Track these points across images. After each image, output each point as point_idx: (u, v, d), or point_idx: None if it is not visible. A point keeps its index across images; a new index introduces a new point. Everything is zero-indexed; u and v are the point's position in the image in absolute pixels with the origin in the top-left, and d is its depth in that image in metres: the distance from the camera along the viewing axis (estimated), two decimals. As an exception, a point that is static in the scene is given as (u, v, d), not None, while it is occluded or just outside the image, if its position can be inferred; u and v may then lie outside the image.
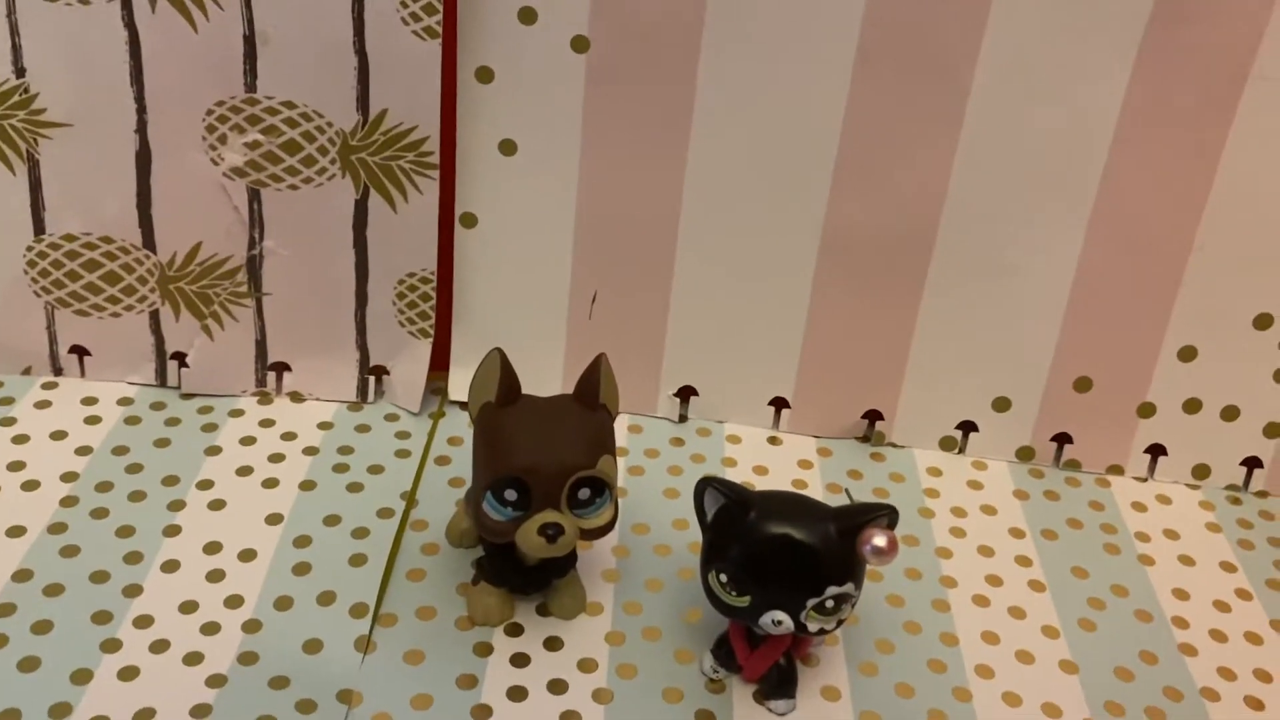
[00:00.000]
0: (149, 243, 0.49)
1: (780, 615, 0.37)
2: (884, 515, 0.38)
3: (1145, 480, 0.53)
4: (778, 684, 0.40)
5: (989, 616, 0.45)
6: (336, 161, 0.47)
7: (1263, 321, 0.49)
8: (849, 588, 0.37)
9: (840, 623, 0.38)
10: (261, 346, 0.51)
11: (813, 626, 0.38)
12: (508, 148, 0.48)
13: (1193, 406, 0.51)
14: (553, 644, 0.42)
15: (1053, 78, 0.46)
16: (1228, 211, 0.47)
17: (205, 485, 0.47)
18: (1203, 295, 0.49)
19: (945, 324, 0.51)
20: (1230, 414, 0.51)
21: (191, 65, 0.45)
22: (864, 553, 0.37)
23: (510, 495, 0.38)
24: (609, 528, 0.40)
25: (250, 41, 0.45)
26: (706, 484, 0.39)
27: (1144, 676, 0.43)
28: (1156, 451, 0.52)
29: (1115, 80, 0.46)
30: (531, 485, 0.38)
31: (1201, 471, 0.52)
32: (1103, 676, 0.43)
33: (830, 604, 0.37)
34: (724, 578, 0.38)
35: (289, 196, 0.48)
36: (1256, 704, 0.42)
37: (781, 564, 0.37)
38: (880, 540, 0.37)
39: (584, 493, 0.39)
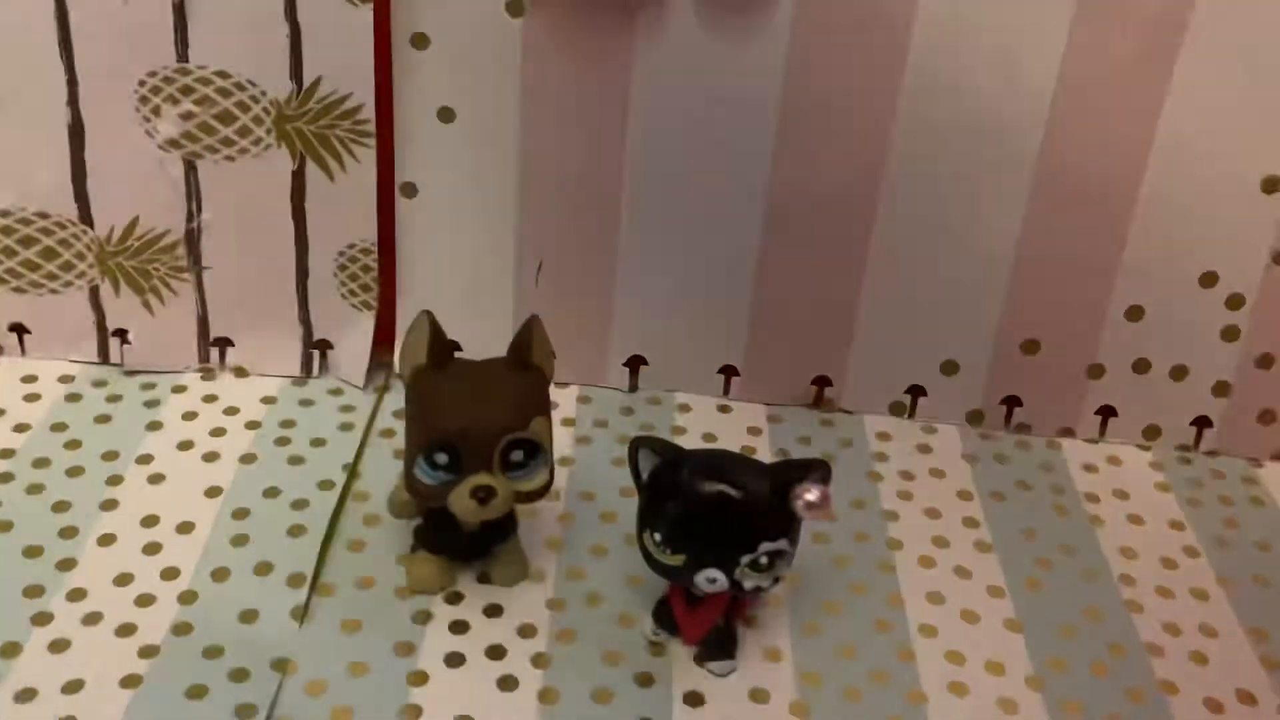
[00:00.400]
0: (85, 217, 0.48)
1: (714, 573, 0.37)
2: (818, 470, 0.37)
3: (1096, 442, 0.53)
4: (717, 645, 0.40)
5: (935, 577, 0.45)
6: (272, 131, 0.47)
7: (1208, 279, 0.49)
8: (783, 544, 0.37)
9: (777, 580, 0.38)
10: (203, 322, 0.50)
11: (748, 584, 0.37)
12: (446, 115, 0.48)
13: (1142, 367, 0.51)
14: (493, 611, 0.42)
15: (992, 36, 0.45)
16: (1170, 168, 0.47)
17: (145, 460, 0.46)
18: (1149, 253, 0.49)
19: (891, 287, 0.50)
20: (1179, 374, 0.51)
21: (121, 36, 0.45)
22: (797, 507, 0.37)
23: (441, 459, 0.38)
24: (544, 490, 0.40)
25: (181, 11, 0.44)
26: (639, 444, 0.39)
27: (1089, 633, 0.43)
28: (1107, 413, 0.52)
29: (1054, 37, 0.45)
30: (461, 448, 0.38)
31: (1152, 432, 0.52)
32: (1047, 634, 0.42)
33: (765, 560, 0.37)
34: (658, 537, 0.38)
35: (225, 168, 0.47)
36: (1201, 658, 0.42)
37: (714, 521, 0.37)
38: (812, 494, 0.36)
39: (517, 454, 0.39)
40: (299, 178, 0.48)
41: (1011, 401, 0.52)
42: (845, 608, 0.43)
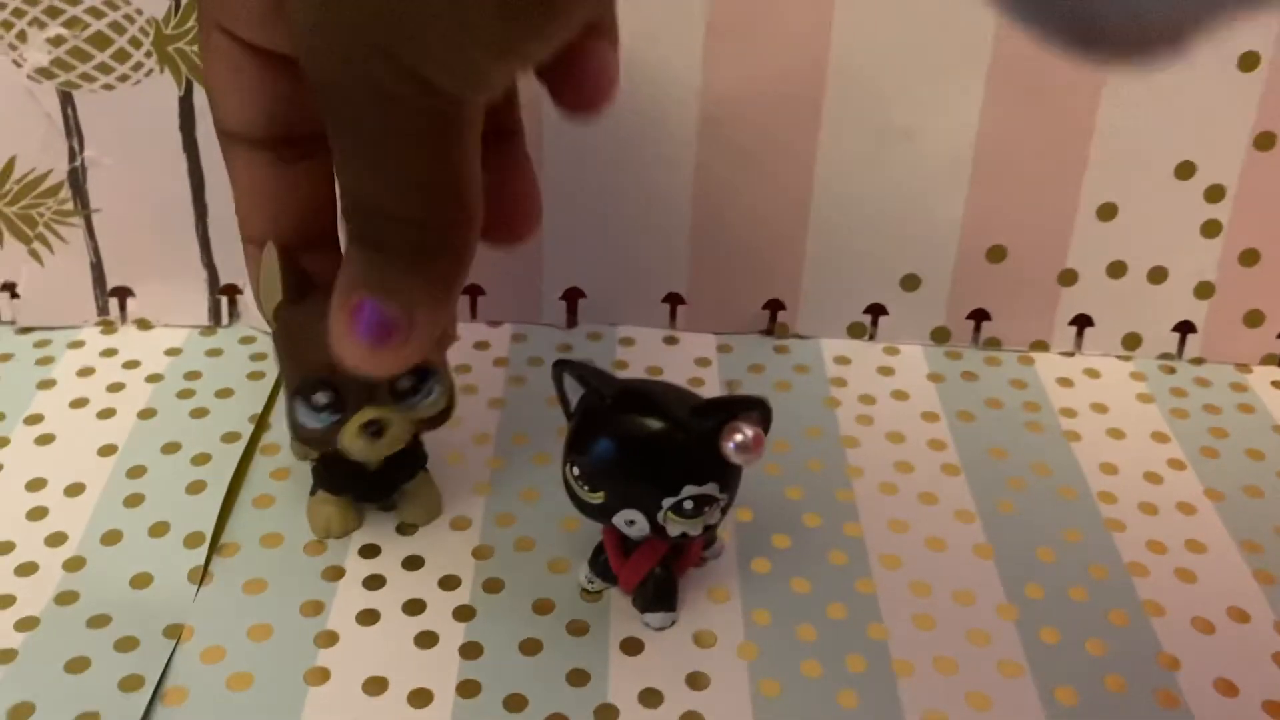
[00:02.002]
0: (-43, 161, 0.44)
1: (633, 514, 0.33)
2: (753, 409, 0.33)
3: (1072, 355, 0.49)
4: (653, 596, 0.36)
5: (897, 504, 0.41)
6: (152, 55, 0.42)
7: (1184, 170, 0.45)
8: (710, 488, 0.33)
9: (709, 529, 0.34)
10: (98, 270, 0.47)
11: (673, 530, 0.33)
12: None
13: (1117, 270, 0.47)
14: (412, 563, 0.38)
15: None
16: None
17: (34, 420, 0.43)
18: (1118, 145, 0.45)
19: (842, 200, 0.46)
20: (1158, 275, 0.47)
21: (-24, -47, 0.41)
22: (727, 450, 0.33)
23: (321, 399, 0.34)
24: (447, 414, 0.36)
25: (41, -77, 0.40)
26: (563, 368, 0.35)
27: (1066, 556, 0.39)
28: (1082, 323, 0.48)
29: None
30: (339, 383, 0.34)
31: (1132, 341, 0.49)
32: (1021, 559, 0.39)
33: (689, 505, 0.33)
34: (576, 470, 0.34)
35: (105, 98, 0.43)
36: (1188, 575, 0.38)
37: (632, 459, 0.33)
38: (741, 435, 0.32)
39: (404, 382, 0.35)
40: (187, 105, 0.43)
41: (979, 315, 0.48)
42: (799, 541, 0.39)
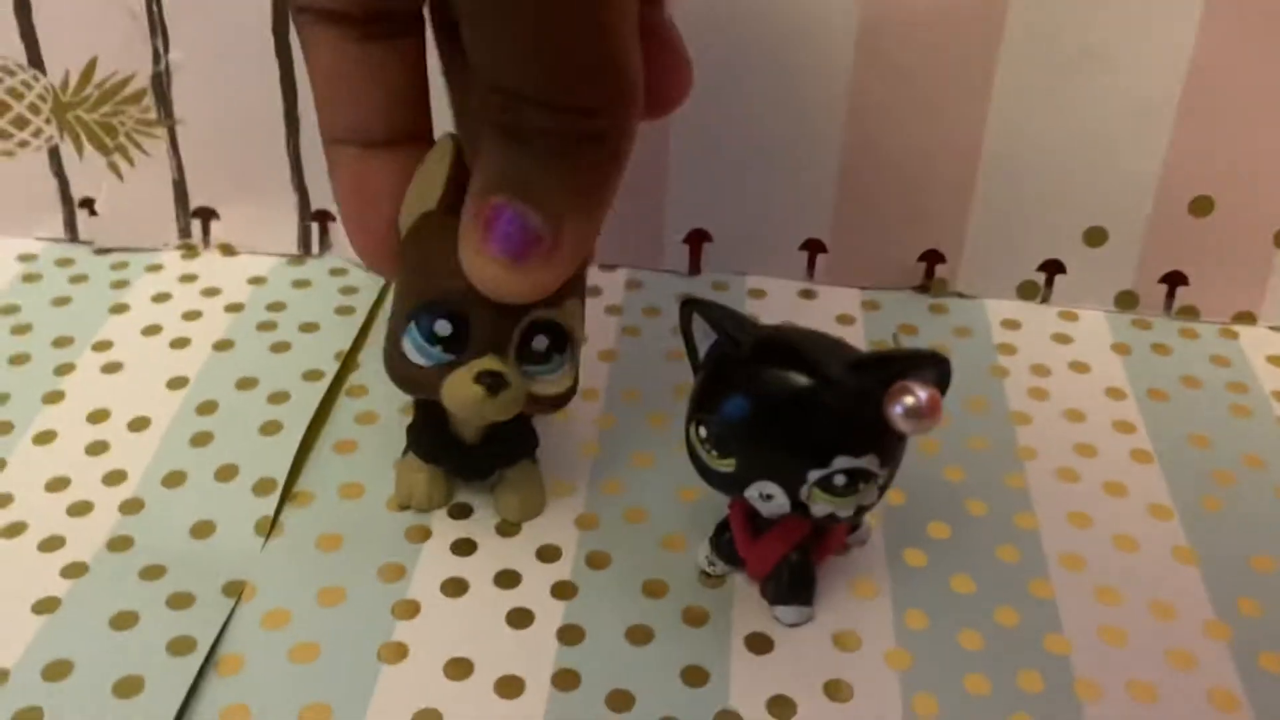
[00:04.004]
0: (35, 60, 0.40)
1: (771, 488, 0.28)
2: (929, 366, 0.27)
3: (1285, 330, 0.42)
4: (788, 586, 0.30)
5: (1078, 494, 0.34)
6: (245, -56, 0.38)
7: None
8: (869, 461, 0.27)
9: (861, 510, 0.28)
10: (181, 189, 0.43)
11: (818, 509, 0.28)
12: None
13: (1349, 231, 0.40)
14: (507, 529, 0.33)
15: None
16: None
17: (102, 347, 0.39)
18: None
19: (1020, 136, 0.40)
20: (1401, 239, 0.40)
21: None
22: (893, 414, 0.26)
23: (442, 328, 0.28)
24: (567, 398, 0.30)
25: None
26: (693, 308, 0.29)
27: (1289, 568, 0.32)
28: (1299, 293, 0.41)
29: None
30: (472, 316, 0.28)
31: (1360, 318, 0.41)
32: (1232, 568, 0.32)
33: (841, 481, 0.27)
34: (703, 432, 0.28)
35: (193, -7, 0.39)
36: None
37: (774, 421, 0.27)
38: (913, 398, 0.26)
39: (540, 341, 0.29)
40: (280, 3, 0.39)
41: (1174, 279, 0.41)
42: (961, 532, 0.33)
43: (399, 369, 0.29)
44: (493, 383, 0.28)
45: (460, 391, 0.28)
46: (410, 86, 0.29)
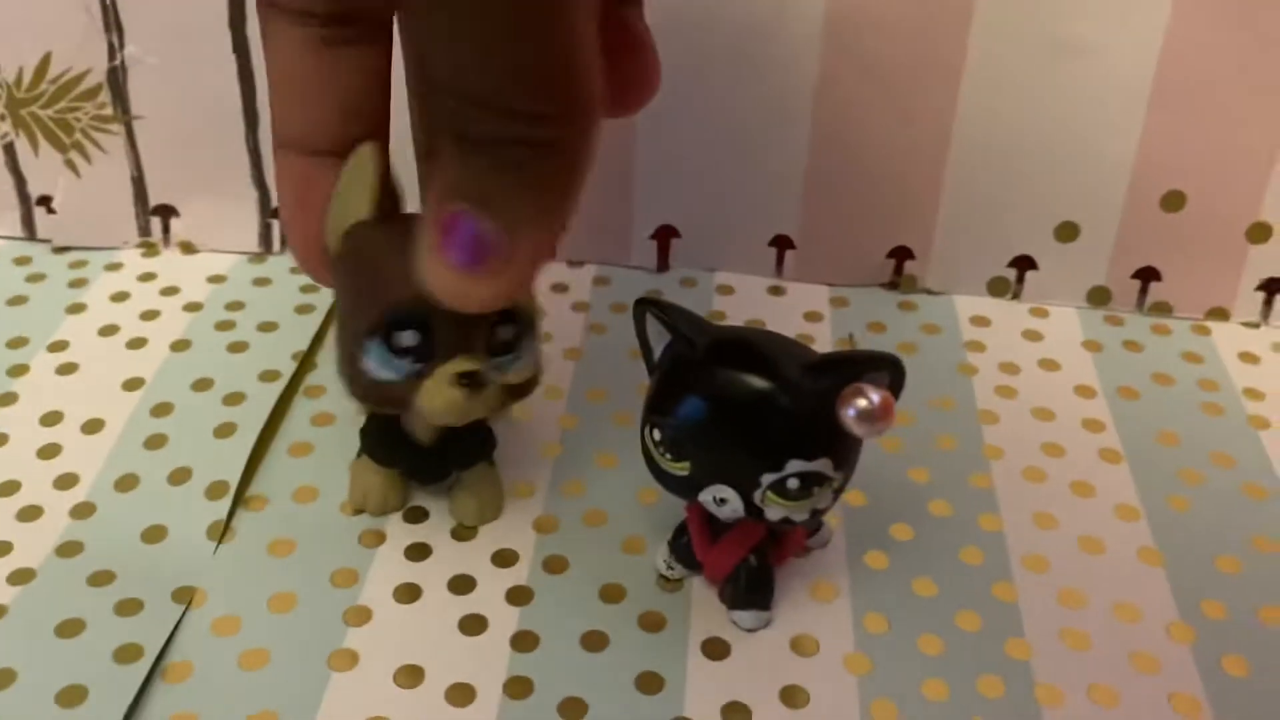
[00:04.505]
0: (-11, 56, 0.40)
1: (725, 492, 0.27)
2: (882, 368, 0.27)
3: (1258, 326, 0.41)
4: (745, 590, 0.30)
5: (1045, 495, 0.34)
6: (199, -63, 0.37)
7: None
8: (822, 465, 0.27)
9: (816, 514, 0.28)
10: (140, 185, 0.42)
11: (772, 513, 0.27)
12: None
13: (1323, 226, 0.39)
14: (463, 533, 0.32)
15: None
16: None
17: (58, 347, 0.38)
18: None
19: (990, 129, 0.39)
20: (1374, 234, 0.39)
21: None
22: (846, 417, 0.26)
23: (408, 339, 0.27)
24: (532, 386, 0.30)
25: None
26: (645, 308, 0.29)
27: (1255, 568, 0.32)
28: (1273, 287, 0.40)
29: None
30: (435, 322, 0.27)
31: (1334, 313, 0.41)
32: (1198, 569, 0.32)
33: (794, 484, 0.27)
34: (658, 435, 0.28)
35: (148, -13, 0.38)
36: None
37: (727, 424, 0.27)
38: (865, 401, 0.26)
39: (506, 331, 0.28)
40: (236, -3, 0.38)
41: (1147, 274, 0.41)
42: (924, 534, 0.33)
43: (363, 389, 0.28)
44: (472, 382, 0.28)
45: (440, 398, 0.28)
46: (366, 98, 0.29)
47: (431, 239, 0.24)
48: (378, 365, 0.28)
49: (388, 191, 0.28)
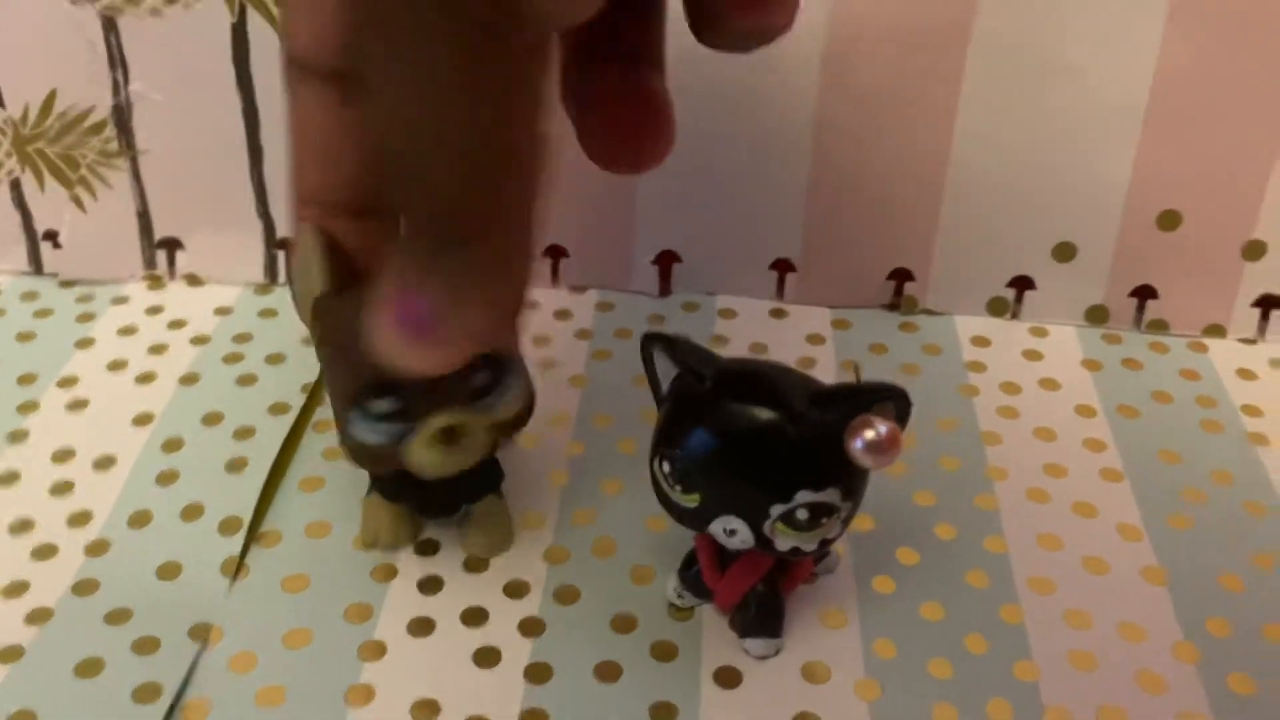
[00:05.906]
0: (-6, 94, 0.40)
1: (735, 523, 0.28)
2: (888, 400, 0.27)
3: (1254, 342, 0.41)
4: (756, 618, 0.30)
5: (1048, 516, 0.34)
6: (202, -25, 0.38)
7: None
8: (830, 495, 0.27)
9: (825, 544, 0.28)
10: (145, 219, 0.42)
11: (781, 543, 0.28)
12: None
13: (1317, 243, 0.40)
14: (475, 565, 0.33)
15: None
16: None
17: (67, 383, 0.38)
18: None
19: (986, 152, 0.40)
20: (1368, 250, 0.40)
21: None
22: (853, 449, 0.26)
23: (383, 406, 0.28)
24: (525, 418, 0.30)
25: None
26: (654, 343, 0.29)
27: (1258, 586, 0.32)
28: (1269, 304, 0.41)
29: None
30: (404, 387, 0.28)
31: (1329, 328, 0.41)
32: (1201, 587, 0.32)
33: (803, 515, 0.27)
34: (667, 467, 0.28)
35: (153, 25, 0.38)
36: None
37: (736, 456, 0.27)
38: (873, 432, 0.26)
39: (481, 376, 0.29)
40: (240, 33, 0.39)
41: (1144, 293, 0.41)
42: (930, 558, 0.33)
43: (358, 452, 0.29)
44: (450, 438, 0.28)
45: (423, 457, 0.29)
46: None
47: (378, 307, 0.24)
48: (364, 431, 0.29)
49: (338, 264, 0.29)
